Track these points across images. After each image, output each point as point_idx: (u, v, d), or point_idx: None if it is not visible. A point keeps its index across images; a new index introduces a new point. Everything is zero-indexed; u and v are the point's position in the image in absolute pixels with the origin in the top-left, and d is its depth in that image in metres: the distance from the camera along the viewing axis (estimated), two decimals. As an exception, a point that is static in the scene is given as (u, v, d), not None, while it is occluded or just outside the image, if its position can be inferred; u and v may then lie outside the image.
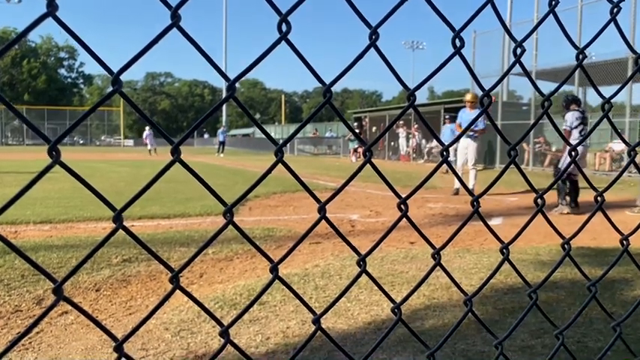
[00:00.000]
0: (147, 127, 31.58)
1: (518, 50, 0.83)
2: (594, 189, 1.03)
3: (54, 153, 0.52)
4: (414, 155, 24.37)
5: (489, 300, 3.16)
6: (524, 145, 17.70)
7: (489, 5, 0.90)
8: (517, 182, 10.76)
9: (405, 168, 17.90)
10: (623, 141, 1.16)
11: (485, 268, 3.91)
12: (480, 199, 0.91)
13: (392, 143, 26.68)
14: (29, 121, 0.55)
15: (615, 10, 0.82)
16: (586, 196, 8.49)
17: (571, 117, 7.22)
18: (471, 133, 9.23)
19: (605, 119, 0.95)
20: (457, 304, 3.09)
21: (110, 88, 0.58)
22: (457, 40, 0.75)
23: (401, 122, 24.45)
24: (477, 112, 9.36)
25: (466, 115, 9.39)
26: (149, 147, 28.68)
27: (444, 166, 0.96)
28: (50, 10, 0.47)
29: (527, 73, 0.86)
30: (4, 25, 64.35)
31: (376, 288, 3.71)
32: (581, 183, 7.51)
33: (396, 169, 16.59)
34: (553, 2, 0.80)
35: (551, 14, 0.82)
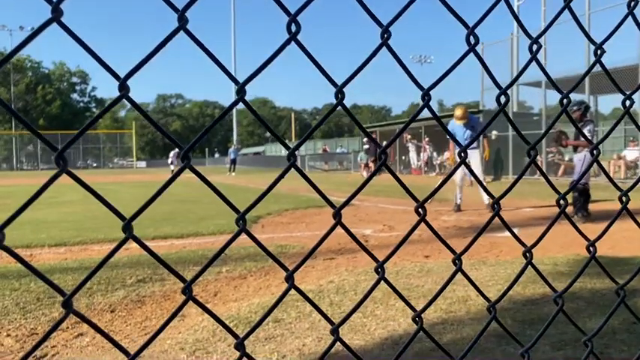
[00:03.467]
0: (175, 150, 32.97)
1: (535, 47, 0.81)
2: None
3: (61, 162, 0.51)
4: (426, 169, 24.29)
5: (508, 312, 3.10)
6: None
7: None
8: (530, 193, 10.65)
9: (417, 182, 17.83)
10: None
11: (503, 279, 3.85)
12: (491, 210, 0.89)
13: (403, 157, 26.63)
14: (39, 133, 0.54)
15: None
16: (601, 204, 8.37)
17: (592, 127, 7.28)
18: (473, 145, 8.33)
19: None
20: (475, 318, 3.03)
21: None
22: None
23: (409, 136, 24.41)
24: (469, 127, 8.60)
25: (457, 127, 8.63)
26: (172, 167, 29.69)
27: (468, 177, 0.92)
28: (55, 15, 0.47)
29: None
30: (18, 53, 65.81)
31: (392, 303, 3.65)
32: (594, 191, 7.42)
33: (408, 183, 16.51)
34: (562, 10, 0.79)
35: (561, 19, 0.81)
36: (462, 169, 8.86)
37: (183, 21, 0.55)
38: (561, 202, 0.85)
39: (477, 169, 8.76)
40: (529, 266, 0.91)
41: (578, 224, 4.53)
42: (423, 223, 0.84)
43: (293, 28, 0.60)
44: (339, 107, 0.75)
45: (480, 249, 5.25)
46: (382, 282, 0.91)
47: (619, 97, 1.12)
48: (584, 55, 15.13)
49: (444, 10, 0.79)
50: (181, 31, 0.59)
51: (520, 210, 8.67)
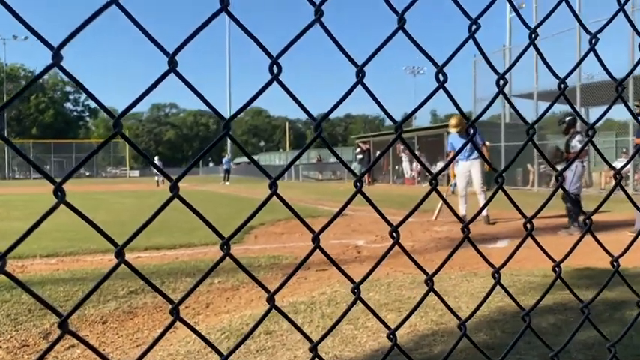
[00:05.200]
0: (156, 158, 32.85)
1: (501, 82, 0.86)
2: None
3: (59, 193, 0.54)
4: (419, 179, 24.40)
5: (497, 324, 3.13)
6: (529, 166, 17.69)
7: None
8: (526, 204, 10.68)
9: (410, 192, 17.89)
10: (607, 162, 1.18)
11: (494, 291, 3.88)
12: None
13: (396, 167, 26.75)
14: (37, 165, 0.58)
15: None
16: (596, 215, 8.41)
17: (581, 138, 7.33)
18: (475, 156, 8.55)
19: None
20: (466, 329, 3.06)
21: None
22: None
23: (402, 147, 24.55)
24: (465, 136, 8.72)
25: (456, 139, 8.73)
26: (156, 178, 29.09)
27: (450, 186, 0.96)
28: (55, 60, 0.51)
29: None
30: (12, 61, 65.61)
31: (384, 314, 3.66)
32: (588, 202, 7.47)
33: (400, 193, 16.59)
34: (533, 35, 0.83)
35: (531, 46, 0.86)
36: (464, 179, 8.81)
37: (173, 64, 0.59)
38: (528, 225, 0.89)
39: (478, 180, 8.70)
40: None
41: (574, 235, 4.56)
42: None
43: (275, 69, 0.65)
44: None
45: (471, 260, 5.29)
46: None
47: (611, 110, 1.16)
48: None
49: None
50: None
51: (514, 221, 8.72)
